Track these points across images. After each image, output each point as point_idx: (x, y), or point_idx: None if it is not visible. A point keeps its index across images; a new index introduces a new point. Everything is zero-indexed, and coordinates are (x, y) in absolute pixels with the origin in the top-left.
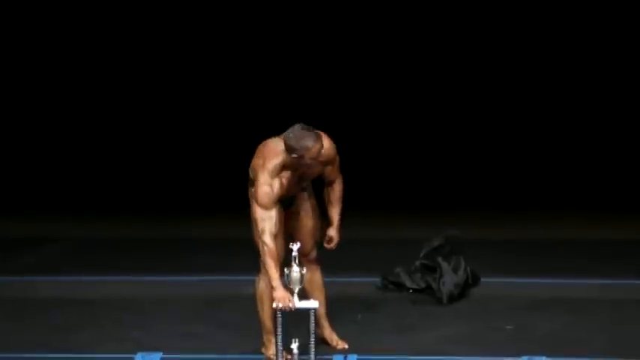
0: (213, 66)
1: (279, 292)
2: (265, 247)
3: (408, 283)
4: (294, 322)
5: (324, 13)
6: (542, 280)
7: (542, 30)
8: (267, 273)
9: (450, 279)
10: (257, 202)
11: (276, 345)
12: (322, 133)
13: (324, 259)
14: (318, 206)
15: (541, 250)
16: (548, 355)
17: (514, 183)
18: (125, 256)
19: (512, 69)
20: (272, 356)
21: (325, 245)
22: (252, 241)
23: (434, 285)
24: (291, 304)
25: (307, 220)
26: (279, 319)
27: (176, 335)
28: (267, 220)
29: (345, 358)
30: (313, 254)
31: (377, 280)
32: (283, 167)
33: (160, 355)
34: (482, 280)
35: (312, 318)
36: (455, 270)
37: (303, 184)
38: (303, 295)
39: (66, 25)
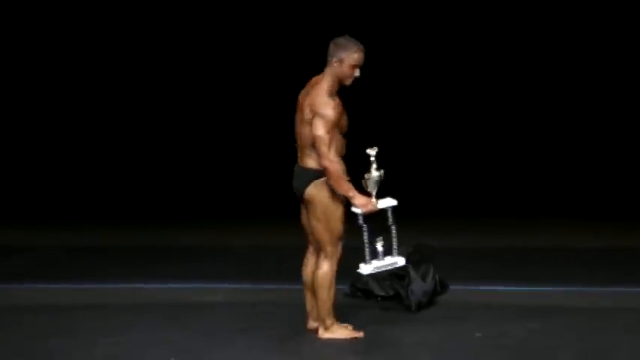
0: (199, 74)
1: (361, 199)
2: (336, 166)
3: (377, 291)
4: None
5: (325, 17)
6: (512, 288)
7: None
8: (341, 187)
9: (418, 287)
10: (325, 124)
11: (366, 247)
12: None
13: (290, 266)
14: (329, 208)
15: (510, 257)
16: None
17: (485, 190)
18: (99, 263)
19: (493, 76)
20: (340, 336)
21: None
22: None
23: (402, 292)
24: (373, 205)
25: (317, 221)
26: (364, 221)
27: (150, 343)
28: (332, 138)
29: None
30: (329, 248)
31: (345, 287)
32: (334, 90)
33: None
34: (450, 287)
35: (390, 214)
36: (423, 278)
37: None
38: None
39: (65, 29)
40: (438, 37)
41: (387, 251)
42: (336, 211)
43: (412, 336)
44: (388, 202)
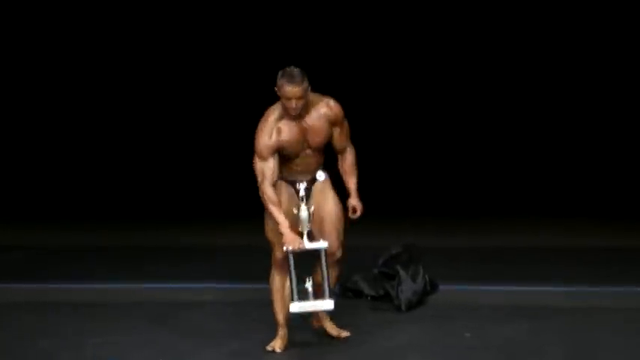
0: (194, 74)
1: (289, 236)
2: (265, 196)
3: (367, 291)
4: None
5: (325, 19)
6: (501, 288)
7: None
8: (274, 218)
9: (408, 286)
10: (256, 152)
11: (291, 284)
12: (329, 97)
13: None
14: (342, 209)
15: (500, 257)
16: None
17: (473, 190)
18: (87, 263)
19: (493, 73)
20: (278, 349)
21: (350, 216)
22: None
23: (392, 292)
24: (300, 245)
25: (330, 222)
26: (292, 263)
27: (139, 343)
28: (265, 170)
29: None
30: (339, 254)
31: (335, 287)
32: (281, 117)
33: None
34: (440, 287)
35: (324, 258)
36: (413, 278)
37: (311, 149)
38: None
39: (61, 26)
40: (434, 32)
41: (318, 292)
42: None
43: (401, 336)
44: (320, 245)
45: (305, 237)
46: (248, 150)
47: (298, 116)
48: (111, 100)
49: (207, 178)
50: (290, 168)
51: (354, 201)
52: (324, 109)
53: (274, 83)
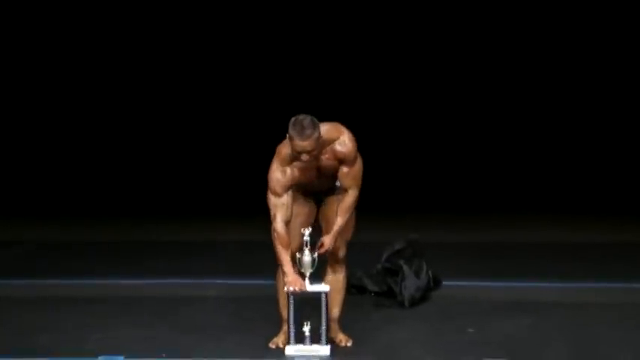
0: (194, 71)
1: (290, 276)
2: (275, 233)
3: (370, 287)
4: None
5: (326, 18)
6: (504, 284)
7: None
8: (278, 259)
9: (411, 282)
10: (269, 188)
11: (289, 328)
12: (344, 131)
13: None
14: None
15: (503, 253)
16: (509, 359)
17: (476, 186)
18: (88, 258)
19: (492, 72)
20: (281, 344)
21: (317, 249)
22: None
23: (395, 288)
24: (301, 287)
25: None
26: (292, 303)
27: (140, 338)
28: (278, 207)
29: None
30: (341, 254)
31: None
32: (295, 156)
33: (121, 358)
34: (443, 283)
35: (324, 301)
36: (417, 273)
37: (325, 177)
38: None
39: (60, 24)
40: (434, 30)
41: (315, 336)
42: None
43: (405, 331)
44: (321, 288)
45: (307, 280)
46: (251, 146)
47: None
48: (112, 96)
49: (210, 173)
50: (304, 190)
51: (326, 238)
52: (337, 147)
53: (276, 82)
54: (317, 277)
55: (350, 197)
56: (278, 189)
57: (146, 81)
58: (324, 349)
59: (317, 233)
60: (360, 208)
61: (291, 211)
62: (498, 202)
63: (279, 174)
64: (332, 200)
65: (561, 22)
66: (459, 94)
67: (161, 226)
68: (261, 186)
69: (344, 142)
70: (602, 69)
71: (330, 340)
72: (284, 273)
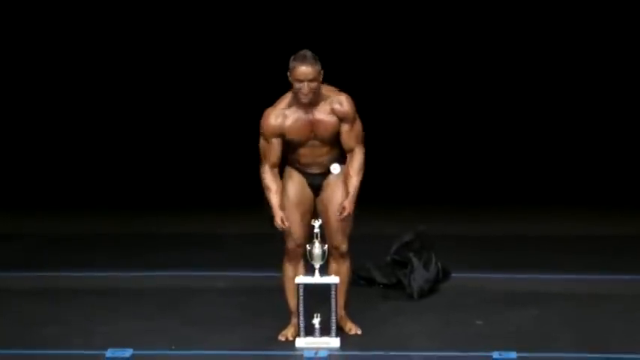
0: (195, 63)
1: (277, 213)
2: (261, 177)
3: (379, 279)
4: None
5: (325, 14)
6: (513, 276)
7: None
8: (267, 201)
9: (420, 274)
10: (260, 133)
11: (298, 320)
12: (345, 94)
13: None
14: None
15: (511, 245)
16: (518, 350)
17: (485, 178)
18: (95, 251)
19: (491, 66)
20: (290, 337)
21: (337, 213)
22: None
23: (404, 280)
24: (284, 225)
25: (335, 215)
26: (302, 295)
27: (149, 330)
28: (266, 151)
29: (316, 353)
30: (343, 247)
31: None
32: (290, 105)
33: (130, 351)
34: (452, 275)
35: (333, 293)
36: (425, 265)
37: (319, 140)
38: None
39: (60, 23)
40: (436, 26)
41: (325, 328)
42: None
43: (413, 323)
44: (331, 280)
45: (317, 272)
46: (257, 138)
47: (308, 105)
48: (115, 89)
49: (217, 165)
50: (298, 158)
51: (346, 202)
52: (336, 105)
53: (278, 75)
54: (323, 268)
55: (358, 155)
56: (267, 133)
57: (149, 74)
58: (334, 341)
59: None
60: (369, 200)
61: (280, 158)
62: (507, 193)
63: (272, 118)
64: (328, 190)
65: (565, 17)
66: (464, 88)
67: (170, 218)
68: None
69: (342, 101)
70: (605, 68)
71: (339, 330)
72: (274, 213)
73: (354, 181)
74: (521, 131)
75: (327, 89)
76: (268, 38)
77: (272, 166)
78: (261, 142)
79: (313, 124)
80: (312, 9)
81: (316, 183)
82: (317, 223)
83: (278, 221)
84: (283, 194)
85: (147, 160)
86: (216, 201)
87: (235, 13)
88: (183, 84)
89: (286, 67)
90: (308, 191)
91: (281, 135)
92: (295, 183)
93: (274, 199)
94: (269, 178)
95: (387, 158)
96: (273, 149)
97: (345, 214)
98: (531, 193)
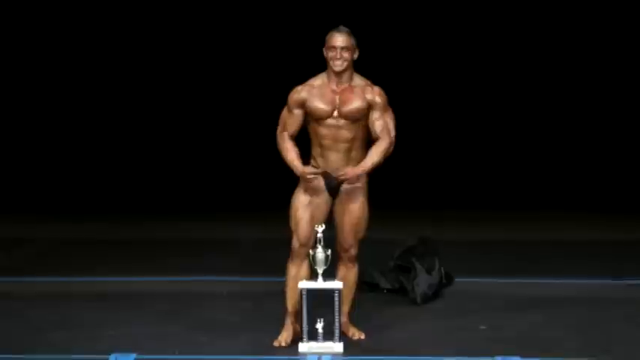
0: (202, 66)
1: (299, 168)
2: (278, 141)
3: (382, 284)
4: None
5: (326, 15)
6: (516, 280)
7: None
8: (285, 159)
9: (423, 279)
10: (286, 106)
11: (301, 323)
12: (377, 87)
13: None
14: (367, 205)
15: (515, 250)
16: (522, 356)
17: (489, 184)
18: (100, 256)
19: (494, 74)
20: (284, 343)
21: (338, 175)
22: None
23: (408, 285)
24: (309, 176)
25: (351, 217)
26: (305, 300)
27: (150, 335)
28: (287, 120)
29: (319, 358)
30: (352, 252)
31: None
32: (321, 80)
33: (133, 356)
34: (456, 280)
35: (337, 298)
36: (429, 271)
37: (344, 119)
38: None
39: (63, 24)
40: (444, 28)
41: (328, 333)
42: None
43: (417, 328)
44: (334, 285)
45: (320, 277)
46: (267, 144)
47: (338, 82)
48: (129, 97)
49: (223, 171)
50: (320, 140)
51: (350, 168)
52: (367, 90)
53: (287, 79)
54: (329, 273)
55: (383, 143)
56: (291, 102)
57: (157, 78)
58: (338, 346)
59: (331, 228)
60: (373, 206)
61: (297, 131)
62: (511, 199)
63: (300, 87)
64: (349, 193)
65: (568, 27)
66: (468, 96)
67: (175, 224)
68: (276, 183)
69: (375, 89)
70: (607, 69)
71: (342, 335)
72: (295, 168)
73: (373, 159)
74: (524, 138)
75: (362, 78)
76: (278, 44)
77: (289, 134)
78: (284, 111)
79: (338, 100)
80: (312, 12)
81: (333, 185)
82: (320, 228)
83: (300, 171)
84: (297, 193)
85: (157, 166)
86: (220, 206)
87: (243, 19)
88: (199, 91)
89: (297, 72)
90: (324, 195)
91: (304, 106)
92: (311, 187)
93: (291, 156)
94: (285, 139)
95: (392, 165)
96: (294, 120)
97: (344, 176)
98: (535, 199)
